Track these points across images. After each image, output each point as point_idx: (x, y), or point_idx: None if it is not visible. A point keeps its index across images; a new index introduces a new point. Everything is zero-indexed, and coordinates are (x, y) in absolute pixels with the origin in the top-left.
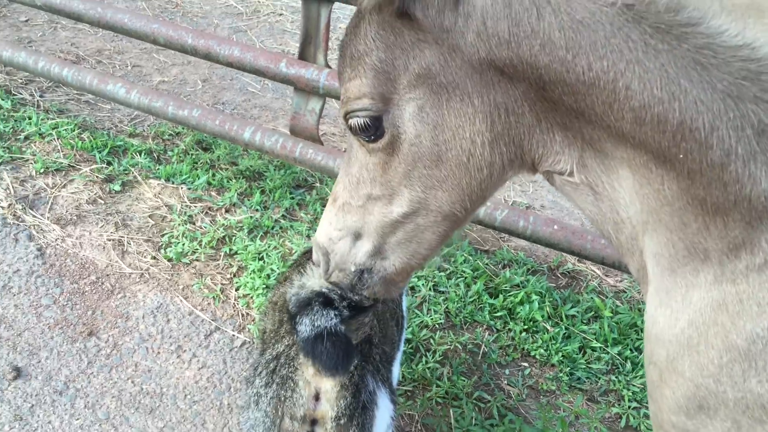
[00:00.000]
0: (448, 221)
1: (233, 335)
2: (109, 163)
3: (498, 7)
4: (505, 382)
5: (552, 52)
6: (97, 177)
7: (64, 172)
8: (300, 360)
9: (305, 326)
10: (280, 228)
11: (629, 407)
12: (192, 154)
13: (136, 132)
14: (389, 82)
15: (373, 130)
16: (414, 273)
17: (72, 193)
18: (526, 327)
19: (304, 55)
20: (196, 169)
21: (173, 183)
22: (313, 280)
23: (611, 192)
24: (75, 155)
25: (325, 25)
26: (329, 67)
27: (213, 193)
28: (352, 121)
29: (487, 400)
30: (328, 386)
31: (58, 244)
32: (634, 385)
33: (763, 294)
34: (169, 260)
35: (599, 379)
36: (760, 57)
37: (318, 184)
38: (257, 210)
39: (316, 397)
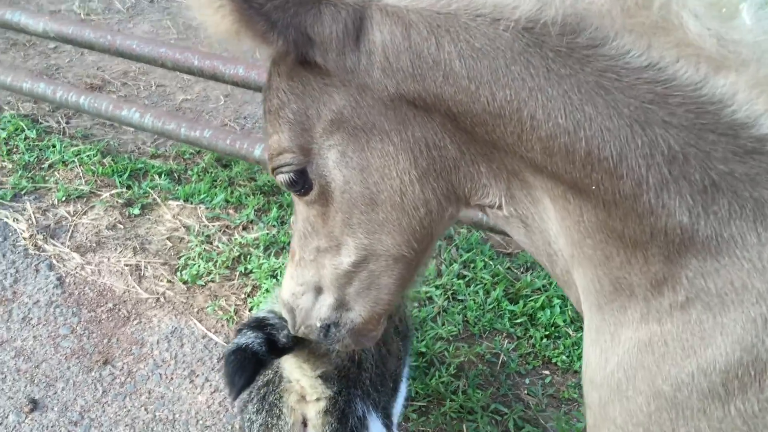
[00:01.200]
0: (401, 263)
1: None
2: (128, 187)
3: (397, 39)
4: (525, 391)
5: (455, 82)
6: (117, 202)
7: (85, 199)
8: (282, 386)
9: (229, 344)
10: None
11: None
12: (211, 172)
13: (158, 153)
14: (305, 132)
15: (300, 183)
16: (383, 318)
17: (92, 219)
18: (547, 333)
19: None
20: (215, 187)
21: (192, 203)
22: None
23: (540, 224)
24: (96, 181)
25: None
26: None
27: (231, 211)
28: (279, 177)
29: (504, 412)
30: (312, 413)
31: (77, 273)
32: None
33: (687, 335)
34: (185, 283)
35: None
36: (666, 78)
37: None
38: (274, 226)
39: (304, 423)
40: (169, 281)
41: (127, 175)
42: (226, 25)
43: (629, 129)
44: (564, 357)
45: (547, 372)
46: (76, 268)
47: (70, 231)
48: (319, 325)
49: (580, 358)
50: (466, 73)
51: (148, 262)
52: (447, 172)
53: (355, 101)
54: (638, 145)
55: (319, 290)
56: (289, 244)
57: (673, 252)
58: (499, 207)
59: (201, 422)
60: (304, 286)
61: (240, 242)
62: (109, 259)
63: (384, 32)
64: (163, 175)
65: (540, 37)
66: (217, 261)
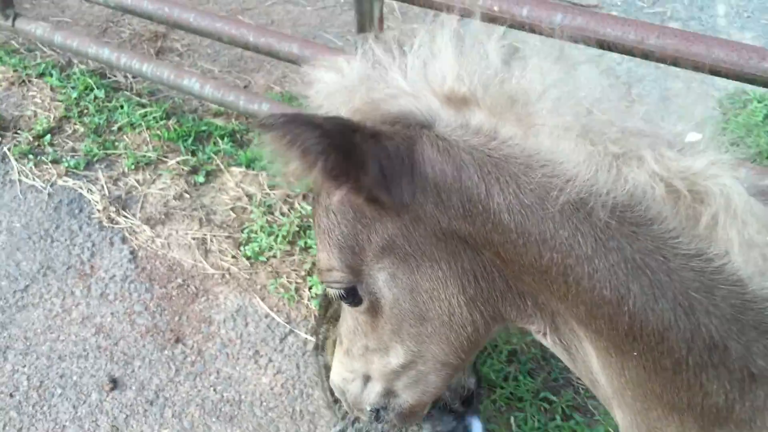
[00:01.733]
0: (448, 367)
1: (306, 338)
2: (193, 153)
3: (448, 179)
4: (575, 376)
5: (504, 233)
6: (182, 169)
7: (153, 166)
8: None
9: None
10: None
11: None
12: None
13: (221, 111)
14: (355, 255)
15: (350, 298)
16: (430, 403)
17: (160, 189)
18: None
19: None
20: None
21: (254, 170)
22: None
23: (584, 356)
24: (162, 146)
25: (379, 19)
26: None
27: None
28: (329, 291)
29: (553, 400)
30: None
31: (148, 246)
32: None
33: None
34: (248, 258)
35: None
36: (714, 270)
37: None
38: None
39: None
40: (233, 257)
41: (192, 139)
42: (309, 176)
43: (672, 313)
44: None
45: None
46: (147, 242)
47: (141, 202)
48: (369, 409)
49: None
50: (514, 227)
51: (214, 236)
52: (494, 300)
53: (408, 231)
54: (680, 329)
55: (367, 378)
56: None
57: (708, 424)
58: (544, 335)
59: (265, 404)
60: (353, 374)
61: (301, 213)
62: (177, 232)
63: (436, 169)
64: (225, 138)
65: (590, 205)
66: (278, 235)
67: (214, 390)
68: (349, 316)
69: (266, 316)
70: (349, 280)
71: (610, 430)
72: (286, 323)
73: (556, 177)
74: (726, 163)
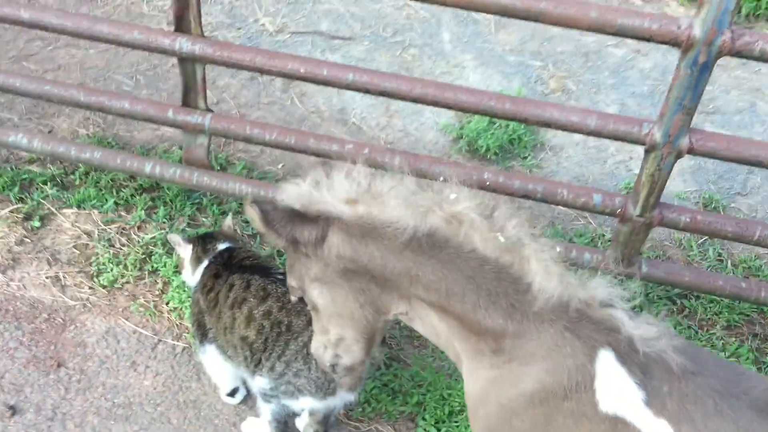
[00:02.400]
0: (360, 342)
1: (173, 344)
2: (22, 200)
3: (344, 241)
4: (389, 334)
5: (373, 262)
6: (17, 217)
7: None
8: None
9: None
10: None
11: None
12: (93, 175)
13: (33, 158)
14: (301, 280)
15: (302, 302)
16: (363, 364)
17: (1, 238)
18: None
19: (187, 102)
20: (101, 190)
21: (85, 209)
22: None
23: (431, 321)
24: None
25: (202, 78)
26: (210, 111)
27: (123, 213)
28: (292, 298)
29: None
30: None
31: (4, 290)
32: None
33: (510, 376)
34: (104, 287)
35: None
36: (492, 267)
37: None
38: (164, 222)
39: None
40: (90, 287)
41: (17, 188)
42: (262, 231)
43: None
44: None
45: None
46: (2, 287)
47: None
48: (328, 365)
49: None
50: (380, 256)
51: (65, 272)
52: (375, 300)
53: (323, 269)
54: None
55: (325, 347)
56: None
57: (498, 337)
58: (407, 315)
59: (152, 402)
60: (319, 344)
61: (140, 243)
62: (29, 274)
63: (337, 239)
64: (49, 184)
65: (415, 237)
66: (126, 264)
67: (105, 399)
68: (312, 312)
69: (134, 332)
70: (299, 293)
71: (420, 370)
72: (154, 335)
73: (397, 225)
74: (472, 204)
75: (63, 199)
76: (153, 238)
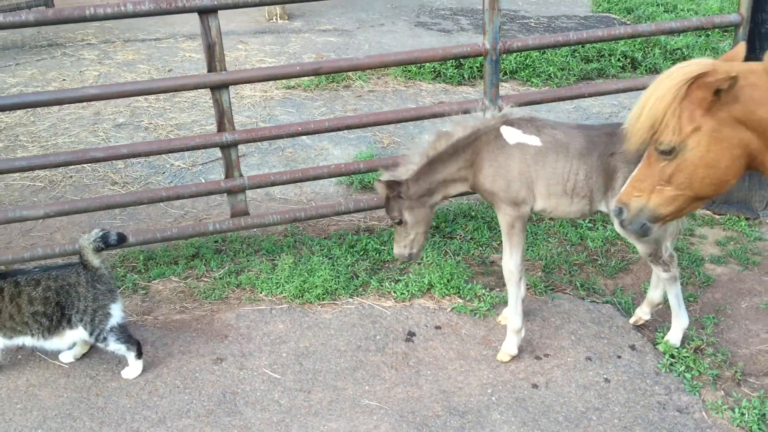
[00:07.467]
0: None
1: None
2: None
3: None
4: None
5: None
6: None
7: None
8: None
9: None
10: None
11: None
12: None
13: None
14: (399, 211)
15: (400, 222)
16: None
17: None
18: None
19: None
20: None
21: None
22: None
23: None
24: None
25: (236, 161)
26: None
27: None
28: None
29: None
30: None
31: None
32: None
33: None
34: None
35: None
36: None
37: None
38: None
39: None
40: None
41: None
42: (384, 194)
43: None
44: None
45: None
46: None
47: None
48: (406, 254)
49: None
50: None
51: None
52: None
53: (410, 203)
54: None
55: (405, 246)
56: None
57: None
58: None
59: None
60: (401, 246)
61: None
62: None
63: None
64: None
65: None
66: None
67: None
68: (400, 227)
69: None
70: (398, 218)
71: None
72: None
73: None
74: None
75: None
76: None
